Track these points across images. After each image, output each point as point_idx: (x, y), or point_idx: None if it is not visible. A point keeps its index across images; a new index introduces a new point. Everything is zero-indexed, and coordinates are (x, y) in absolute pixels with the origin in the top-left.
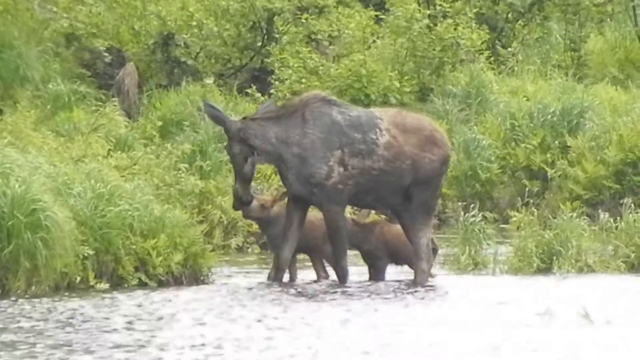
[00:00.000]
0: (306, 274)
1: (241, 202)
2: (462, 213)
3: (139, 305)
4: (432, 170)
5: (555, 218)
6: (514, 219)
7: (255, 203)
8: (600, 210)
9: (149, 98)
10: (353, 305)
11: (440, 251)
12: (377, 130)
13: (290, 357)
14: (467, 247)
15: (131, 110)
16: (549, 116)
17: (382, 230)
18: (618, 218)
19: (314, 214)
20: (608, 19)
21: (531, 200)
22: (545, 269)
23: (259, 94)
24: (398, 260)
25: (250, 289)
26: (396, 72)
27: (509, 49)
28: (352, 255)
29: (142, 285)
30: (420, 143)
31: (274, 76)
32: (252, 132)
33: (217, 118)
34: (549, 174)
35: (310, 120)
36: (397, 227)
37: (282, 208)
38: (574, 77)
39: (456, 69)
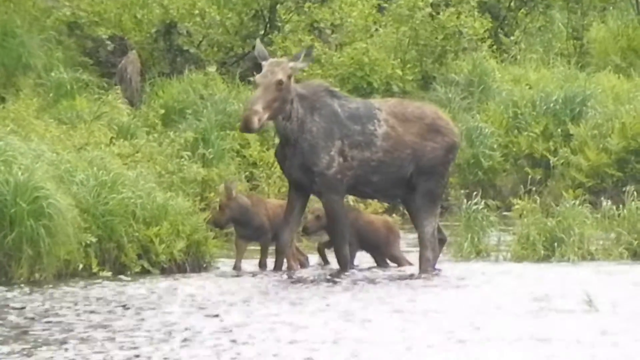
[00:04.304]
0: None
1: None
2: (465, 201)
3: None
4: (434, 158)
5: (557, 206)
6: (517, 206)
7: (214, 211)
8: (602, 198)
9: (152, 86)
10: (355, 293)
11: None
12: (376, 121)
13: (295, 347)
14: (470, 235)
15: (134, 98)
16: (552, 104)
17: (354, 217)
18: (620, 206)
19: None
20: (610, 7)
21: (534, 188)
22: (547, 257)
23: None
24: (366, 248)
25: (252, 276)
26: (398, 60)
27: (512, 38)
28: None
29: (144, 272)
30: (422, 132)
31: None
32: (295, 104)
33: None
34: (551, 161)
35: (318, 109)
36: (370, 216)
37: (244, 197)
38: (576, 65)
39: (459, 58)
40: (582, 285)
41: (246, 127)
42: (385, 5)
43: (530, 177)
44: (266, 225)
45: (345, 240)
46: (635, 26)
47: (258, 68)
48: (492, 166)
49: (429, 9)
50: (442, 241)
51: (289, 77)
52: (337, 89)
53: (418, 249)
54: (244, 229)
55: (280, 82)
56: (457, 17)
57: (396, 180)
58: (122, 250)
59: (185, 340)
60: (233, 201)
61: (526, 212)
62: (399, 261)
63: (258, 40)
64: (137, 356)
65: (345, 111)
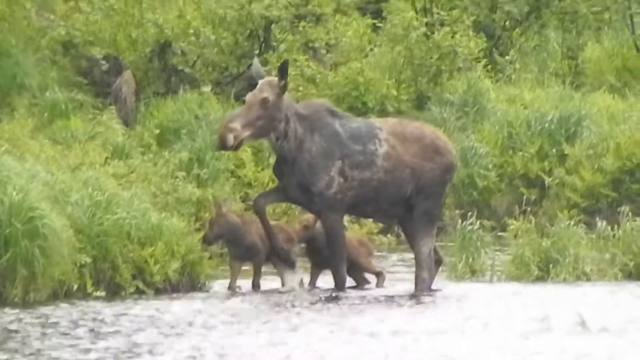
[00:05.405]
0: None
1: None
2: (460, 221)
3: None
4: (433, 178)
5: (552, 226)
6: (512, 226)
7: (206, 229)
8: (597, 218)
9: (146, 106)
10: (350, 314)
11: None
12: (377, 140)
13: None
14: (465, 255)
15: (128, 118)
16: (547, 124)
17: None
18: (615, 226)
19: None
20: (605, 27)
21: (529, 208)
22: (542, 277)
23: None
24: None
25: (245, 296)
26: (393, 80)
27: (506, 57)
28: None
29: (139, 292)
30: (421, 152)
31: None
32: (292, 123)
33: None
34: (546, 182)
35: (318, 129)
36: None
37: (234, 216)
38: (571, 85)
39: (453, 77)
40: (576, 306)
41: (221, 145)
42: (380, 25)
43: (525, 197)
44: (258, 245)
45: (343, 259)
46: (630, 46)
47: (252, 88)
48: (487, 186)
49: (423, 29)
50: (438, 262)
51: (279, 95)
52: (337, 109)
53: (414, 269)
54: (236, 248)
55: (264, 101)
56: (452, 37)
57: (396, 200)
58: (116, 270)
59: None
60: (222, 218)
61: (521, 233)
62: (371, 270)
63: (256, 59)
64: None
65: (346, 131)
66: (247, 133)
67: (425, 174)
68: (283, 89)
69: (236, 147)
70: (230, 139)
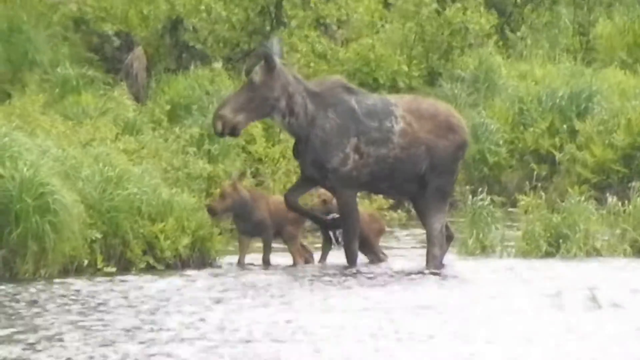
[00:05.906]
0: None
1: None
2: (470, 197)
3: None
4: (446, 155)
5: (563, 202)
6: (522, 202)
7: (216, 199)
8: (608, 194)
9: (158, 82)
10: (360, 290)
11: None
12: (393, 117)
13: (297, 343)
14: (475, 231)
15: (139, 94)
16: (558, 100)
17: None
18: (626, 202)
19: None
20: (617, 3)
21: (539, 184)
22: (552, 253)
23: None
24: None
25: (256, 272)
26: (405, 56)
27: (518, 34)
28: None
29: (149, 268)
30: (435, 129)
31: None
32: (300, 99)
33: (269, 58)
34: (557, 157)
35: (332, 105)
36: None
37: (245, 191)
38: (582, 62)
39: (465, 54)
40: (587, 281)
41: (214, 132)
42: (391, 1)
43: (535, 173)
44: (267, 221)
45: (355, 235)
46: None
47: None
48: (498, 162)
49: (435, 5)
50: (449, 238)
51: (267, 75)
52: (353, 85)
53: (425, 245)
54: (244, 223)
55: (250, 82)
56: (463, 13)
57: (410, 177)
58: (127, 246)
59: (169, 338)
60: (236, 191)
61: (531, 208)
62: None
63: (276, 38)
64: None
65: (362, 107)
66: (240, 117)
67: (439, 151)
68: (270, 67)
69: (231, 132)
70: (219, 125)
